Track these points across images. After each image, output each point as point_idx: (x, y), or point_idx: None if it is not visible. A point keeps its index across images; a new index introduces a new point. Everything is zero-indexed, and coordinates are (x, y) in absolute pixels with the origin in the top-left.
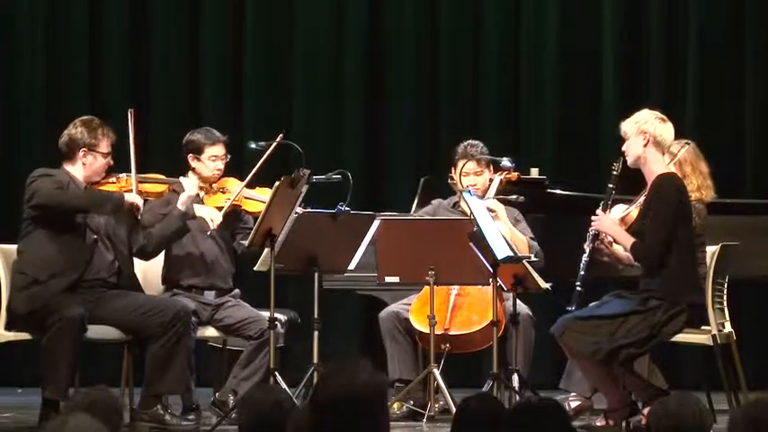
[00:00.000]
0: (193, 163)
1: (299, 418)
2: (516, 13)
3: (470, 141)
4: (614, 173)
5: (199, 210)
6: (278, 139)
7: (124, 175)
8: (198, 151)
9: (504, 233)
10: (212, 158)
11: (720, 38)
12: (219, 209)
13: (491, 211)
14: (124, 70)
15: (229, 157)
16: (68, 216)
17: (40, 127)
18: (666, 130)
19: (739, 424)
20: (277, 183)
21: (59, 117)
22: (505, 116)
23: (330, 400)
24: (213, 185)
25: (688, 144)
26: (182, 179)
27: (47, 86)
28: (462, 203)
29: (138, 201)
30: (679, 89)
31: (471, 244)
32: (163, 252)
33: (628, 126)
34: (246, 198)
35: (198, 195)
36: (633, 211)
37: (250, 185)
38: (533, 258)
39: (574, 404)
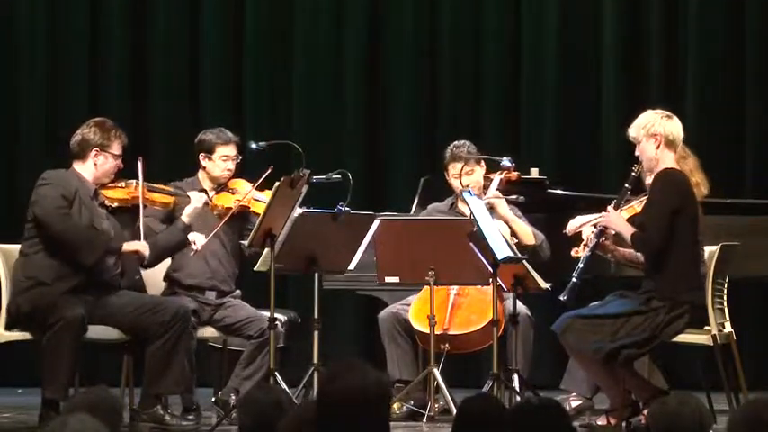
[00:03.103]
0: (204, 162)
1: (295, 416)
2: (516, 13)
3: (455, 143)
4: (633, 174)
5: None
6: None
7: (134, 181)
8: (209, 151)
9: (504, 230)
10: (223, 158)
11: (720, 37)
12: (228, 209)
13: (491, 207)
14: (124, 70)
15: (240, 158)
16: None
17: (39, 126)
18: (675, 127)
19: (739, 424)
20: (277, 183)
21: (59, 117)
22: (505, 116)
23: (339, 399)
24: (219, 195)
25: None
26: (189, 193)
27: (47, 86)
28: (461, 204)
29: (143, 248)
30: (679, 89)
31: (471, 244)
32: None
33: (636, 131)
34: (255, 200)
35: (206, 203)
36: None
37: (259, 189)
38: (543, 247)
39: (574, 404)
